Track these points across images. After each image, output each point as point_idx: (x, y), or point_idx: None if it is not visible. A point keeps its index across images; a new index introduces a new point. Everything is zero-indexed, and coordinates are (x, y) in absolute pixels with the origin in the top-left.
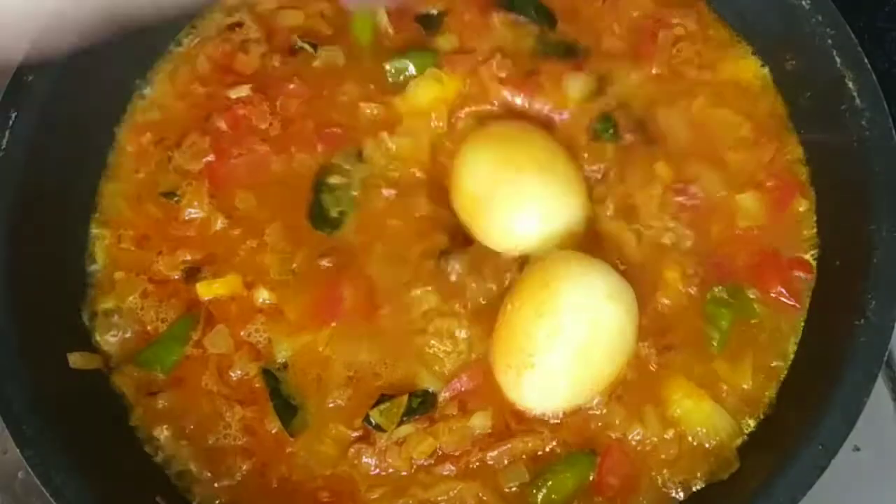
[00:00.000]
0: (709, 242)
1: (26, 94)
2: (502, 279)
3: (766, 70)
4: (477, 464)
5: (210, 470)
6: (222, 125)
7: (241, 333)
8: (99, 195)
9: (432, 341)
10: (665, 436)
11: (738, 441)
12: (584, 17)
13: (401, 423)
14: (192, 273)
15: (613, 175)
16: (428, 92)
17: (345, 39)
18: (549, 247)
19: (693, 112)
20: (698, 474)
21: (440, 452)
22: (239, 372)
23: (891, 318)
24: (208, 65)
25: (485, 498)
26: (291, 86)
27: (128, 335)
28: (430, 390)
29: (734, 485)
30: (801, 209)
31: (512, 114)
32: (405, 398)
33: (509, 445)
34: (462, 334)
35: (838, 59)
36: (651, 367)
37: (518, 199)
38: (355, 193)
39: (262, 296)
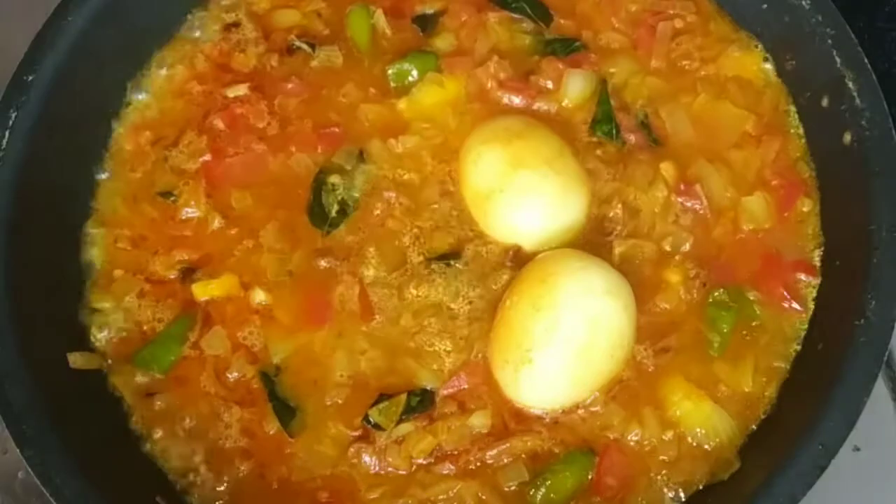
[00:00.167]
0: (711, 245)
1: (26, 94)
2: (501, 277)
3: (768, 64)
4: (476, 463)
5: (210, 470)
6: (220, 124)
7: (238, 335)
8: (96, 195)
9: (430, 340)
10: (664, 437)
11: (739, 442)
12: (581, 12)
13: (400, 421)
14: (189, 273)
15: (616, 175)
16: (430, 95)
17: (342, 39)
18: (551, 242)
19: (695, 108)
20: (698, 475)
21: (439, 451)
22: (236, 373)
23: (891, 318)
24: (206, 64)
25: (484, 497)
26: (290, 85)
27: (125, 335)
28: (429, 388)
29: (734, 485)
30: (804, 209)
31: (514, 110)
32: (404, 397)
33: (508, 444)
34: (460, 333)
35: (838, 59)
36: (649, 369)
37: (522, 194)
38: (356, 194)
39: (259, 297)
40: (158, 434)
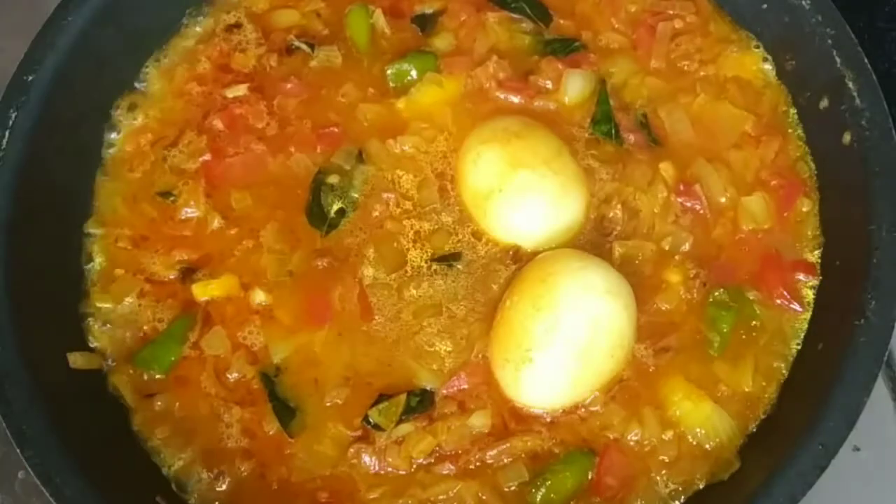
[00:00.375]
0: (711, 245)
1: (26, 94)
2: (500, 277)
3: (768, 65)
4: (476, 463)
5: (210, 470)
6: (219, 124)
7: (238, 335)
8: (96, 195)
9: (430, 340)
10: (664, 437)
11: (739, 442)
12: (580, 12)
13: (400, 421)
14: (189, 273)
15: (615, 175)
16: (429, 95)
17: (341, 39)
18: (551, 242)
19: (695, 109)
20: (698, 475)
21: (439, 452)
22: (236, 374)
23: (891, 318)
24: (206, 64)
25: (484, 497)
26: (289, 85)
27: (125, 335)
28: (429, 389)
29: (734, 485)
30: (804, 209)
31: (513, 110)
32: (404, 397)
33: (508, 444)
34: (460, 333)
35: (838, 59)
36: (649, 369)
37: (521, 194)
38: (355, 195)
39: (259, 297)
40: (158, 434)
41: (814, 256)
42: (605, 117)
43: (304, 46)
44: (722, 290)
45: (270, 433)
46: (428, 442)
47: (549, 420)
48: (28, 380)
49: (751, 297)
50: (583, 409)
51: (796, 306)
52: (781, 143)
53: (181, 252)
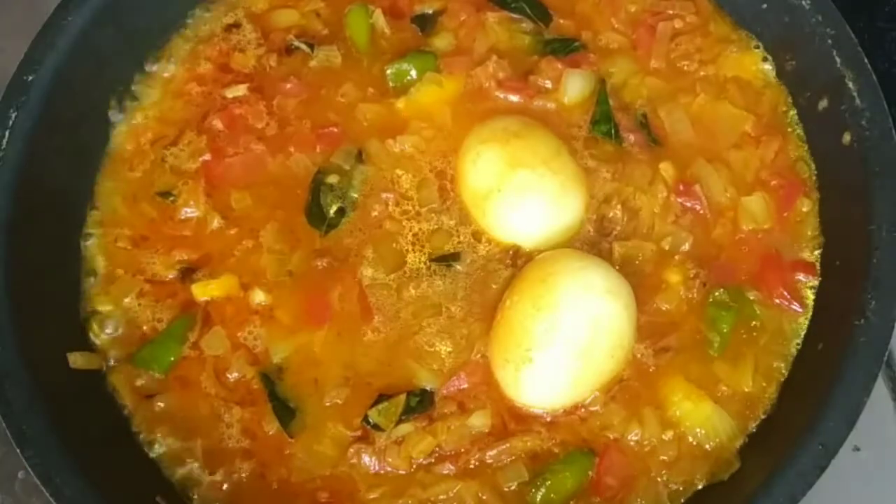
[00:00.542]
0: (711, 245)
1: (26, 94)
2: (500, 277)
3: (768, 65)
4: (476, 463)
5: (210, 471)
6: (219, 124)
7: (238, 335)
8: (96, 194)
9: (430, 340)
10: (664, 437)
11: (739, 442)
12: (580, 12)
13: (399, 421)
14: (188, 273)
15: (615, 175)
16: (429, 95)
17: (341, 39)
18: (550, 242)
19: (695, 109)
20: (698, 475)
21: (439, 452)
22: (236, 374)
23: (891, 318)
24: (206, 64)
25: (484, 497)
26: (288, 85)
27: (124, 335)
28: (429, 389)
29: (734, 485)
30: (804, 209)
31: (513, 110)
32: (403, 397)
33: (508, 444)
34: (460, 333)
35: (838, 59)
36: (649, 369)
37: (520, 194)
38: (354, 195)
39: (259, 297)
40: (158, 434)
41: (814, 256)
42: (604, 117)
43: (303, 46)
44: (722, 290)
45: (270, 433)
46: (428, 442)
47: (548, 420)
48: (28, 380)
49: (751, 297)
50: (583, 409)
51: (796, 306)
52: (781, 143)
53: (181, 252)
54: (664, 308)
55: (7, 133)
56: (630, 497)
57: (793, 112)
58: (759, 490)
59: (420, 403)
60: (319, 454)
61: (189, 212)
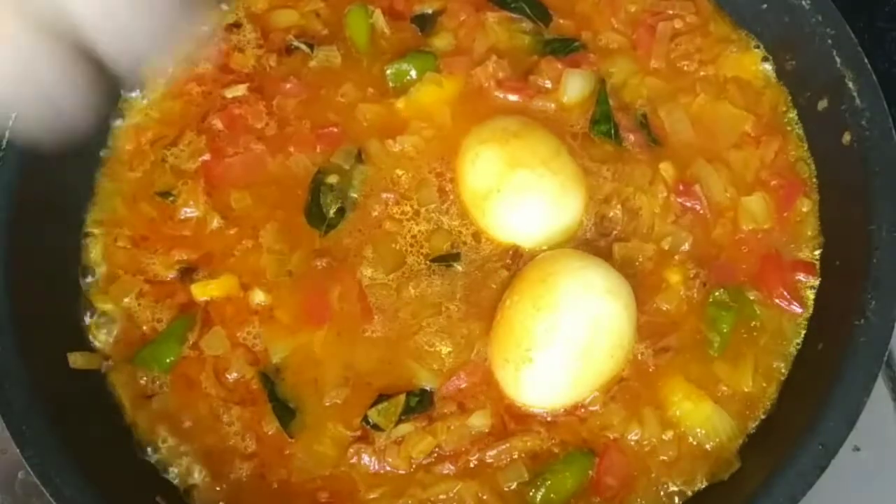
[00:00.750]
0: (711, 245)
1: None
2: (500, 277)
3: (768, 65)
4: (476, 463)
5: (210, 471)
6: (218, 124)
7: (238, 335)
8: (96, 194)
9: (430, 340)
10: (664, 437)
11: (739, 442)
12: (580, 12)
13: (399, 421)
14: (188, 273)
15: (615, 175)
16: (428, 95)
17: (341, 39)
18: (550, 242)
19: (695, 109)
20: (698, 475)
21: (439, 452)
22: (236, 374)
23: (891, 318)
24: (206, 64)
25: (484, 497)
26: (288, 85)
27: (124, 335)
28: (429, 389)
29: (734, 485)
30: (804, 209)
31: (513, 110)
32: (403, 397)
33: (508, 444)
34: (460, 332)
35: (838, 59)
36: (649, 369)
37: (520, 194)
38: (354, 195)
39: (258, 297)
40: (158, 434)
41: (814, 256)
42: (604, 117)
43: (303, 46)
44: (722, 290)
45: (270, 433)
46: (427, 442)
47: (548, 420)
48: (28, 380)
49: (751, 297)
50: (583, 409)
51: (796, 306)
52: (781, 143)
53: (180, 252)
54: (664, 308)
55: (7, 133)
56: (630, 497)
57: (793, 112)
58: (759, 490)
59: (420, 403)
60: (319, 454)
61: (189, 212)
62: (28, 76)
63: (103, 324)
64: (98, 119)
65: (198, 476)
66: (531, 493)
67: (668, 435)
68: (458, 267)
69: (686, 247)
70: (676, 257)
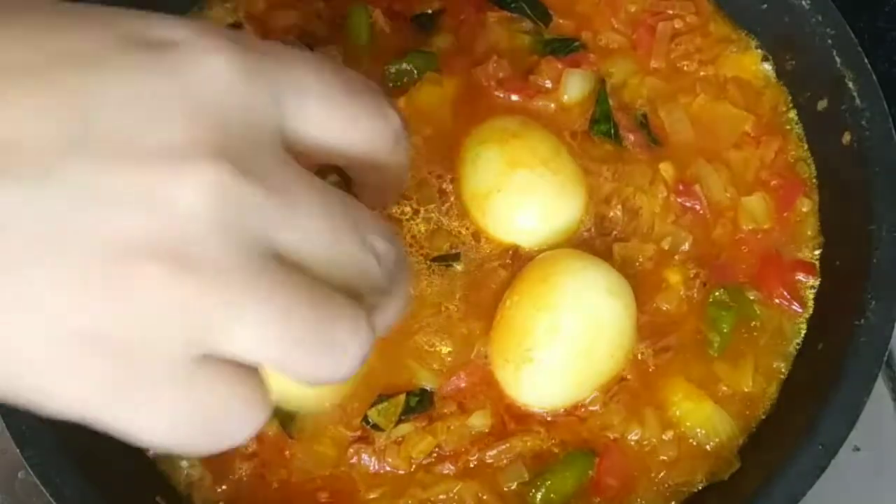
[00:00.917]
0: (711, 245)
1: None
2: (500, 276)
3: (768, 65)
4: (475, 463)
5: (210, 471)
6: None
7: None
8: None
9: (430, 340)
10: (664, 437)
11: (739, 442)
12: (580, 12)
13: (399, 421)
14: None
15: (615, 175)
16: (429, 94)
17: (341, 40)
18: (550, 242)
19: (695, 109)
20: (698, 475)
21: (439, 452)
22: None
23: (891, 318)
24: None
25: (484, 497)
26: None
27: None
28: (429, 389)
29: (734, 485)
30: (804, 209)
31: (513, 109)
32: (403, 397)
33: (508, 444)
34: (459, 332)
35: (838, 59)
36: (649, 369)
37: (520, 194)
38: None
39: None
40: None
41: (814, 256)
42: (604, 117)
43: (303, 47)
44: (722, 289)
45: (270, 433)
46: (427, 442)
47: (548, 420)
48: None
49: (751, 297)
50: (583, 409)
51: (796, 306)
52: (781, 143)
53: None
54: (664, 308)
55: None
56: (630, 497)
57: (793, 112)
58: (758, 490)
59: (420, 403)
60: (319, 454)
61: None
62: None
63: None
64: None
65: (198, 476)
66: (531, 493)
67: (669, 435)
68: (458, 267)
69: (686, 247)
70: (676, 257)
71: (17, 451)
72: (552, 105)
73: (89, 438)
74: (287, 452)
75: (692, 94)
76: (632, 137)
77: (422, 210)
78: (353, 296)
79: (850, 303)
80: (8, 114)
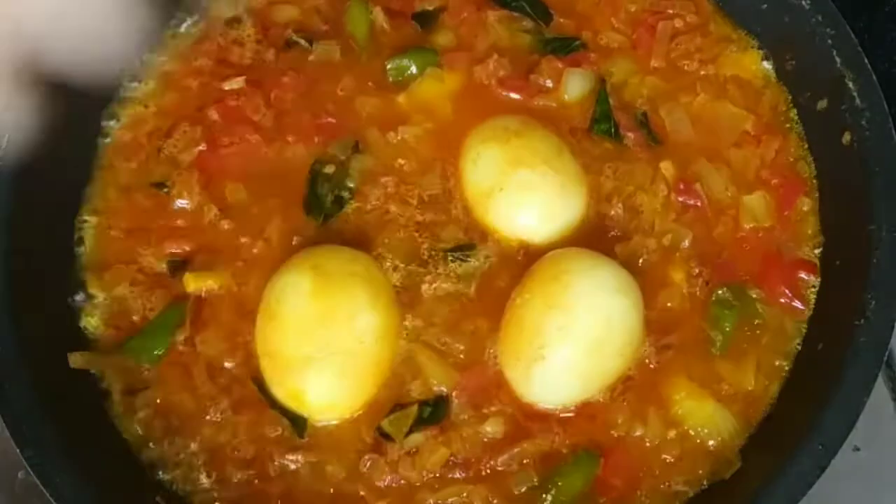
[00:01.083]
0: (713, 243)
1: None
2: (505, 276)
3: (768, 64)
4: (487, 470)
5: (210, 472)
6: (214, 115)
7: (237, 336)
8: (92, 184)
9: (439, 338)
10: (667, 436)
11: (740, 441)
12: (580, 11)
13: (411, 431)
14: (181, 265)
15: (615, 174)
16: (430, 89)
17: (341, 36)
18: (552, 240)
19: (695, 108)
20: (700, 474)
21: (452, 460)
22: (235, 374)
23: (891, 318)
24: (204, 58)
25: (494, 501)
26: (286, 79)
27: (116, 326)
28: (441, 394)
29: (735, 484)
30: (804, 209)
31: (514, 107)
32: (415, 408)
33: (518, 449)
34: (467, 331)
35: (838, 59)
36: (651, 367)
37: (522, 193)
38: (352, 185)
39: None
40: (158, 435)
41: (814, 255)
42: (604, 116)
43: (302, 42)
44: (725, 288)
45: (271, 435)
46: (441, 454)
47: (558, 419)
48: (28, 380)
49: (753, 296)
50: (591, 408)
51: (798, 304)
52: (781, 142)
53: (174, 243)
54: (667, 306)
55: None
56: (634, 496)
57: (793, 112)
58: (759, 490)
59: (433, 415)
60: (328, 462)
61: (182, 203)
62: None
63: (95, 314)
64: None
65: (197, 477)
66: (541, 497)
67: (672, 434)
68: (461, 266)
69: (687, 244)
70: (678, 255)
71: (17, 451)
72: (553, 104)
73: (90, 440)
74: (292, 457)
75: (692, 94)
76: (632, 136)
77: (423, 205)
78: None
79: (850, 303)
80: None
